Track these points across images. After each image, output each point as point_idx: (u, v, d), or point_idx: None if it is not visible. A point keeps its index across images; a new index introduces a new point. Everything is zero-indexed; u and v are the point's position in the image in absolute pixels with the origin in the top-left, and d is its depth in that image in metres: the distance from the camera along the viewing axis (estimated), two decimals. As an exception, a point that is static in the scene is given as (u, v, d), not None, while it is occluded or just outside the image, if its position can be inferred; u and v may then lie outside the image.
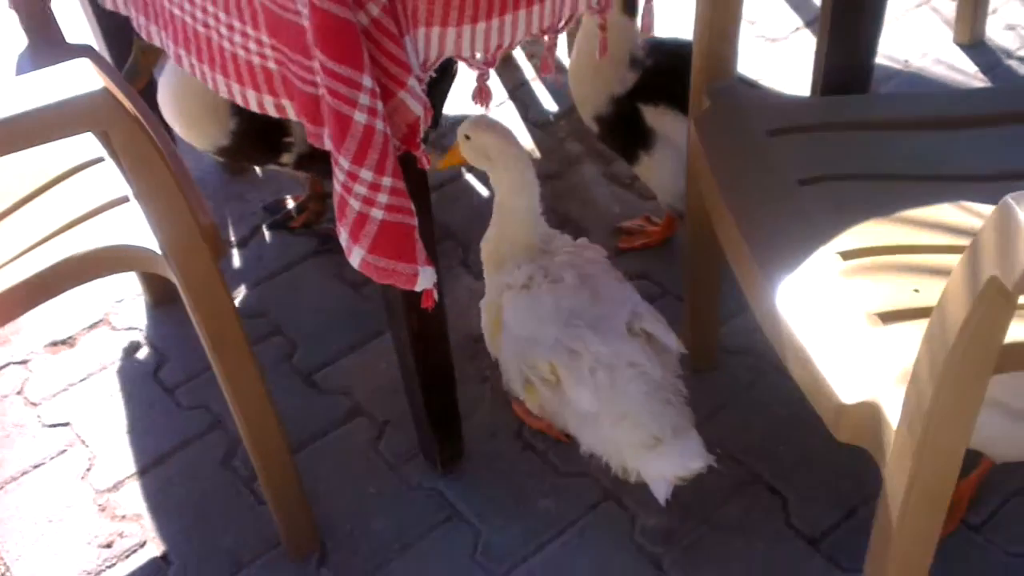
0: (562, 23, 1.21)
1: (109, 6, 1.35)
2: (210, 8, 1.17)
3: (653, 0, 1.33)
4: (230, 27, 1.16)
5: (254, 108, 1.18)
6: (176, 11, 1.22)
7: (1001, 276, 0.82)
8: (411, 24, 1.10)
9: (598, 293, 1.35)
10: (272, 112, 1.17)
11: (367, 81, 1.05)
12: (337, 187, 1.11)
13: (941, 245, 1.15)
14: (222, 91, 1.21)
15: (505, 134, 1.37)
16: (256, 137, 1.60)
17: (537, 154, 1.97)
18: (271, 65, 1.13)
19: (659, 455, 1.26)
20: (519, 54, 2.19)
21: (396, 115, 1.12)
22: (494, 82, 2.13)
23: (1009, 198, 0.82)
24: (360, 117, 1.06)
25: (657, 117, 1.63)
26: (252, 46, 1.15)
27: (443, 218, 1.85)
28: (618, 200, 1.87)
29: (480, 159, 1.39)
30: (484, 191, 1.91)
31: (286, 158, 1.64)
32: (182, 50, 1.24)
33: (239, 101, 1.19)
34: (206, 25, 1.19)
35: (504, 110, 2.07)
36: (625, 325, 1.32)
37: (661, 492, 1.27)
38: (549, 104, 2.08)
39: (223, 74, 1.19)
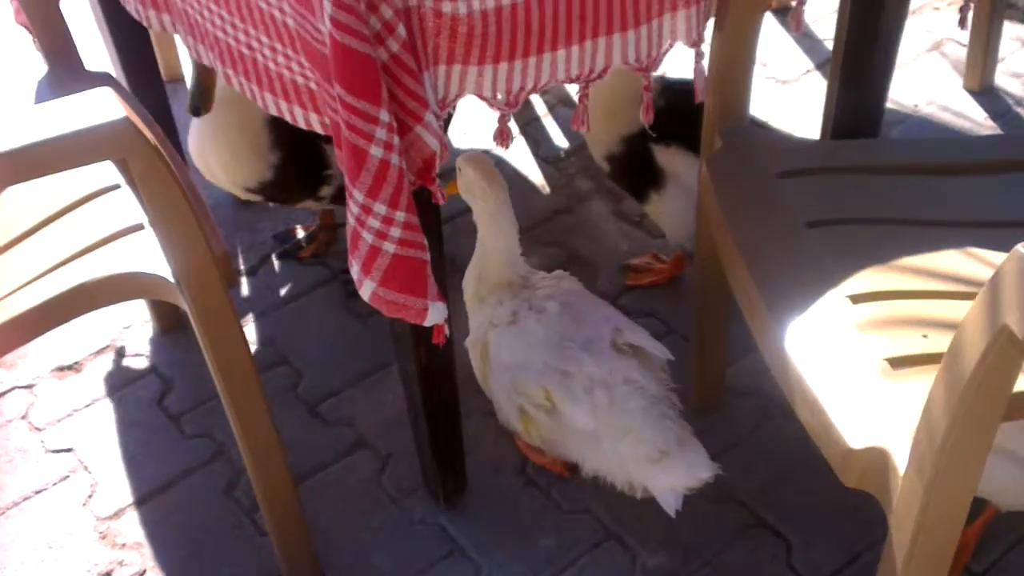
0: (594, 74, 1.20)
1: (156, 27, 1.37)
2: (251, 31, 1.19)
3: (702, 61, 1.29)
4: (272, 49, 1.18)
5: (301, 125, 1.20)
6: (220, 34, 1.25)
7: (1013, 325, 0.82)
8: (431, 61, 1.11)
9: (580, 317, 1.38)
10: (318, 129, 1.19)
11: (384, 116, 1.06)
12: (351, 220, 1.12)
13: (949, 291, 1.15)
14: (271, 109, 1.23)
15: (488, 173, 1.39)
16: (297, 169, 1.63)
17: (547, 189, 1.98)
18: (312, 86, 1.15)
19: (666, 468, 1.27)
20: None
21: (412, 150, 1.12)
22: (505, 117, 2.15)
23: (1021, 247, 0.82)
24: (376, 151, 1.07)
25: (668, 157, 1.64)
26: (295, 67, 1.17)
27: (453, 251, 1.86)
28: (626, 237, 1.88)
29: (466, 193, 1.43)
30: (493, 225, 1.92)
31: (325, 191, 1.66)
32: (230, 70, 1.26)
33: (287, 118, 1.21)
34: (250, 47, 1.21)
35: (515, 145, 2.08)
36: (610, 343, 1.34)
37: (671, 504, 1.28)
38: (560, 140, 2.09)
39: (271, 92, 1.22)
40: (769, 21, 2.37)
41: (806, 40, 2.30)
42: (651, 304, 1.74)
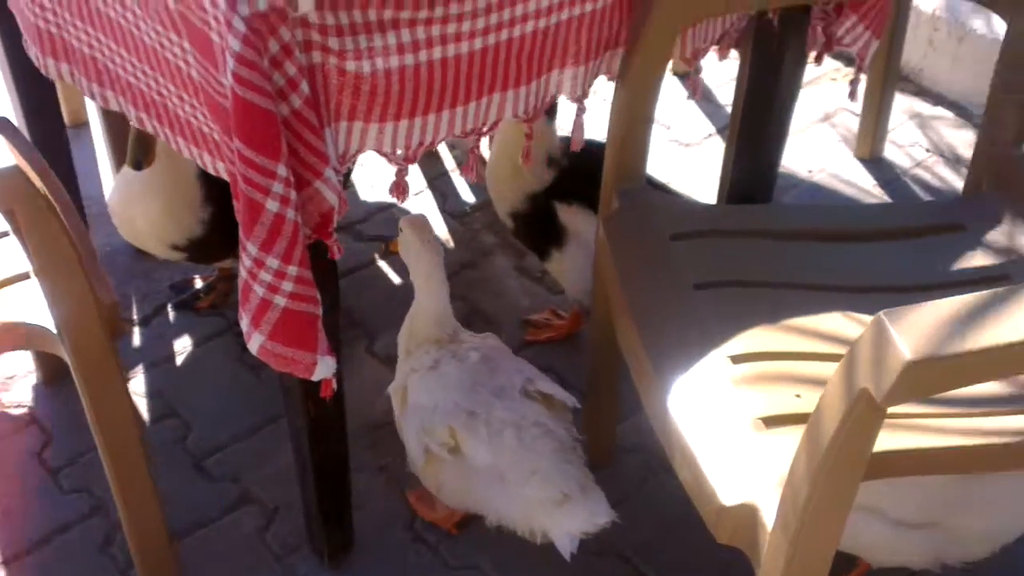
0: (486, 127, 1.25)
1: (54, 75, 1.36)
2: (160, 79, 1.20)
3: (583, 116, 1.37)
4: (180, 98, 1.19)
5: (211, 170, 1.21)
6: (131, 79, 1.25)
7: (872, 389, 0.85)
8: (333, 117, 1.13)
9: (497, 368, 1.42)
10: (225, 176, 1.19)
11: (282, 170, 1.07)
12: (243, 272, 1.12)
13: (825, 353, 1.19)
14: (184, 152, 1.24)
15: (425, 236, 1.44)
16: (227, 226, 1.61)
17: (452, 244, 2.00)
18: (216, 136, 1.15)
19: (567, 511, 1.30)
20: (440, 145, 2.23)
21: (310, 204, 1.13)
22: (413, 172, 2.17)
23: (882, 314, 0.86)
24: (272, 205, 1.08)
25: (570, 215, 1.68)
26: (200, 116, 1.17)
27: (351, 304, 1.86)
28: (527, 293, 1.90)
29: (403, 253, 1.48)
30: (395, 278, 1.93)
31: None
32: (143, 113, 1.27)
33: (199, 162, 1.22)
34: (160, 94, 1.22)
35: (422, 199, 2.10)
36: (521, 390, 1.37)
37: (567, 548, 1.30)
38: (467, 196, 2.12)
39: (182, 136, 1.23)
40: (674, 85, 2.45)
41: (709, 105, 2.38)
42: (549, 359, 1.76)
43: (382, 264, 1.96)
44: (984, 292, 0.88)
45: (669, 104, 2.39)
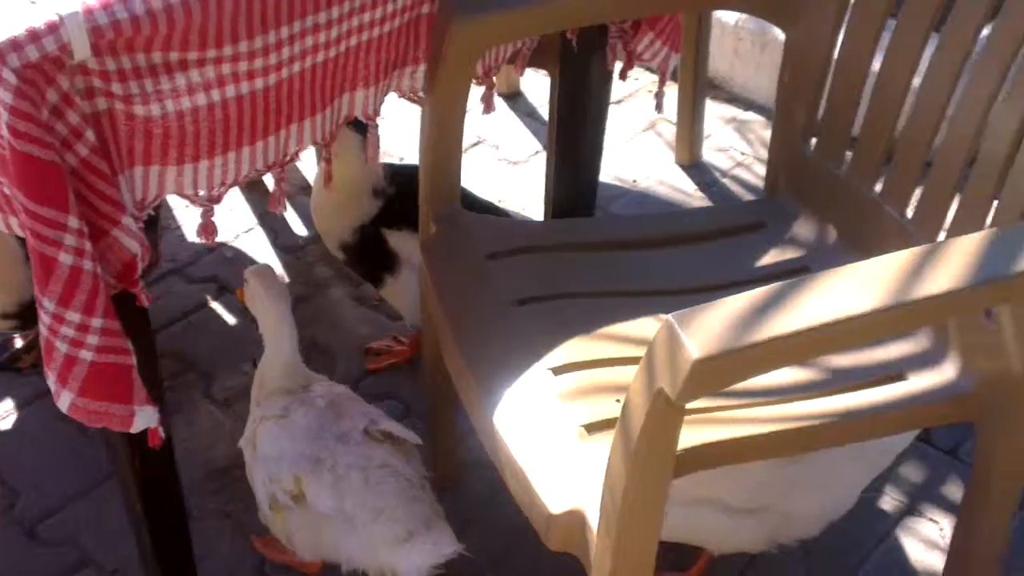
0: (287, 159, 1.25)
1: None
2: None
3: (376, 131, 1.40)
4: None
5: (3, 228, 1.15)
6: None
7: (667, 388, 0.89)
8: (126, 163, 1.10)
9: (342, 412, 1.41)
10: (17, 231, 1.13)
11: (73, 222, 1.04)
12: (43, 330, 1.08)
13: (639, 357, 1.23)
14: None
15: (270, 286, 1.43)
16: None
17: (286, 278, 1.98)
18: (6, 190, 1.11)
19: (413, 548, 1.31)
20: (269, 179, 2.21)
21: (110, 253, 1.10)
22: (242, 208, 2.14)
23: (671, 317, 0.91)
24: (65, 258, 1.04)
25: (400, 241, 1.69)
26: None
27: (186, 348, 1.81)
28: (366, 321, 1.90)
29: (250, 303, 1.47)
30: (230, 319, 1.90)
31: None
32: None
33: None
34: None
35: (253, 236, 2.07)
36: (364, 432, 1.37)
37: None
38: (299, 228, 2.10)
39: None
40: (499, 104, 2.49)
41: (534, 122, 2.43)
42: (391, 386, 1.76)
43: (215, 305, 1.92)
44: (767, 287, 0.93)
45: (497, 124, 2.43)
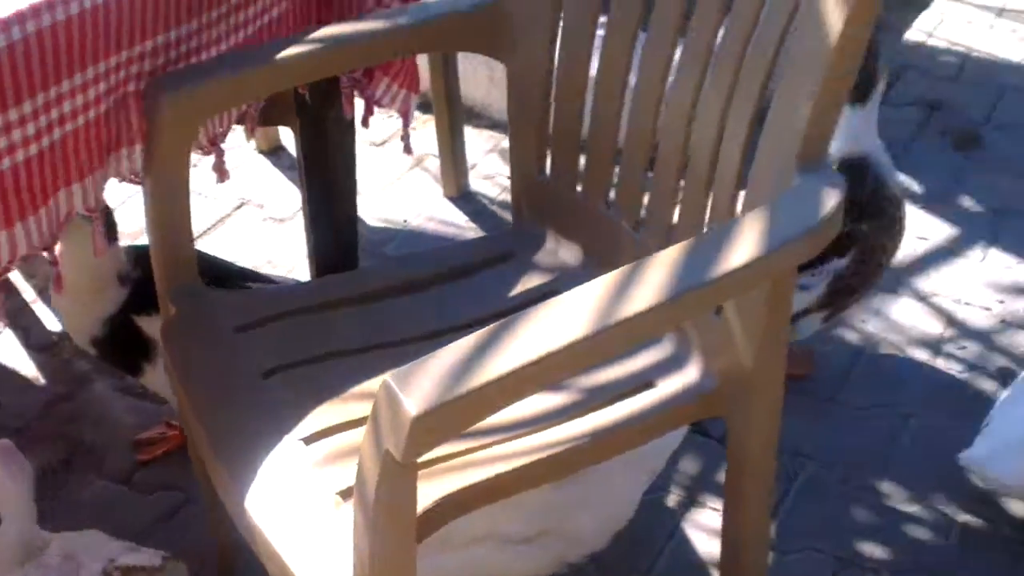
0: (54, 240, 1.18)
1: None
2: None
3: (101, 224, 1.34)
4: None
5: None
6: None
7: (392, 449, 0.87)
8: None
9: (80, 562, 1.34)
10: None
11: None
12: None
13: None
14: None
15: (7, 464, 1.33)
16: None
17: (42, 380, 1.85)
18: None
19: None
20: (16, 276, 2.07)
21: None
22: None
23: (389, 377, 0.89)
24: None
25: (153, 326, 1.60)
26: None
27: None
28: (133, 411, 1.80)
29: None
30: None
31: None
32: None
33: None
34: None
35: (2, 339, 1.93)
36: (103, 573, 1.31)
37: None
38: (53, 324, 1.97)
39: None
40: (262, 162, 2.44)
41: (299, 176, 2.38)
42: (167, 476, 1.68)
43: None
44: (481, 331, 0.92)
45: (261, 181, 2.37)
